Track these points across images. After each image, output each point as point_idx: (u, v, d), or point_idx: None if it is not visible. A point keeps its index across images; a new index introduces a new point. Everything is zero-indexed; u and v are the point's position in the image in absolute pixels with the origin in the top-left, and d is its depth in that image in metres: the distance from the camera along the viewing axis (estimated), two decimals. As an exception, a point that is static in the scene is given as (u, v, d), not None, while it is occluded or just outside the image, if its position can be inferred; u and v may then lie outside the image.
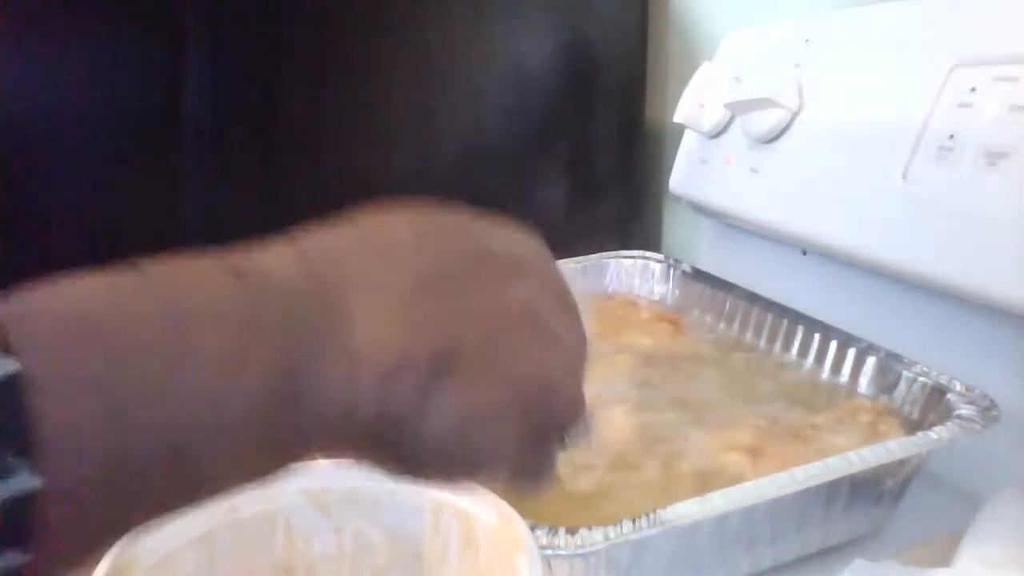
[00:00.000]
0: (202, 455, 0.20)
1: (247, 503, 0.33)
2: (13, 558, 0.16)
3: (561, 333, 0.28)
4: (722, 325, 0.64)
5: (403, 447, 0.25)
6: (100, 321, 0.19)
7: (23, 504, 0.16)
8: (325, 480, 0.34)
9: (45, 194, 0.64)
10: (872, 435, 0.46)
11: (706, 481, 0.43)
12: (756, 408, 0.50)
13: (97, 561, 0.28)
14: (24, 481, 0.16)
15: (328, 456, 0.27)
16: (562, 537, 0.34)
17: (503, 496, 0.32)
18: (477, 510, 0.32)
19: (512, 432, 0.26)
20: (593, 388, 0.52)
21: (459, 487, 0.32)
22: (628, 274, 0.73)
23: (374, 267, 0.24)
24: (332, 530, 0.34)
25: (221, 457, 0.21)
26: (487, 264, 0.27)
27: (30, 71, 0.62)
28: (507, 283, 0.27)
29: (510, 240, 0.29)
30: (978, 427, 0.41)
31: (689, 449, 0.46)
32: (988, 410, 0.42)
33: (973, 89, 0.50)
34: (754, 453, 0.44)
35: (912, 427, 0.46)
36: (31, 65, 0.62)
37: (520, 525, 0.30)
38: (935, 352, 0.50)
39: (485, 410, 0.25)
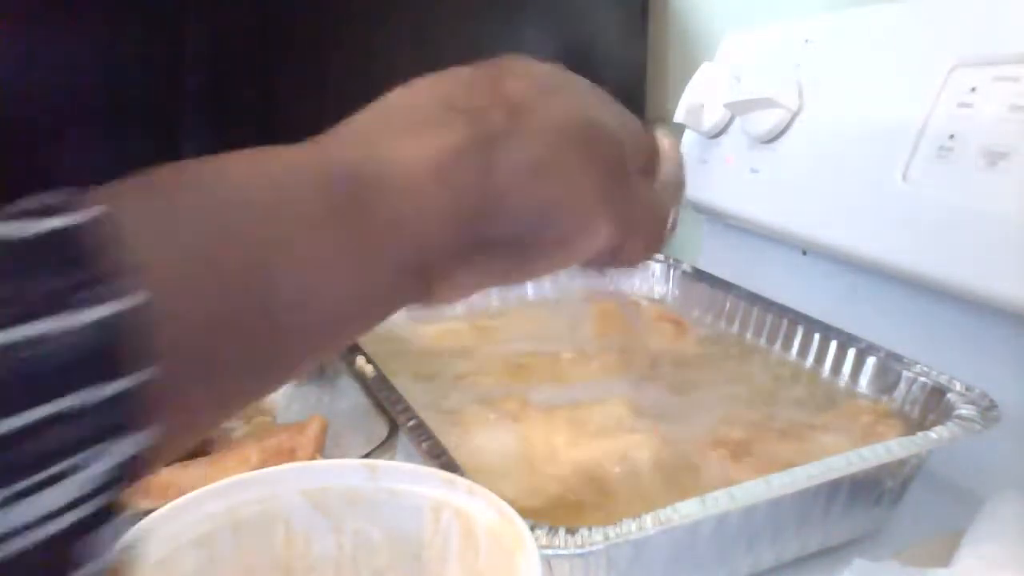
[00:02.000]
0: (296, 297, 0.21)
1: (247, 503, 0.33)
2: (140, 375, 0.17)
3: (581, 89, 0.30)
4: (722, 325, 0.64)
5: (493, 241, 0.26)
6: (200, 187, 0.21)
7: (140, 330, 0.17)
8: (325, 480, 0.34)
9: (43, 189, 0.63)
10: (870, 437, 0.46)
11: (678, 478, 0.43)
12: (751, 408, 0.50)
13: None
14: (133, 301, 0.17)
15: (422, 300, 0.27)
16: (562, 537, 0.34)
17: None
18: (477, 510, 0.32)
19: (586, 177, 0.28)
20: (589, 387, 0.52)
21: (588, 264, 0.32)
22: (628, 274, 0.73)
23: (392, 117, 0.26)
24: (332, 530, 0.34)
25: (314, 299, 0.22)
26: (488, 71, 0.28)
27: (29, 67, 0.62)
28: (511, 75, 0.28)
29: (498, 59, 0.30)
30: (978, 427, 0.41)
31: (674, 444, 0.46)
32: (988, 410, 0.42)
33: (973, 89, 0.50)
34: (738, 452, 0.44)
35: (912, 428, 0.46)
36: (30, 61, 0.62)
37: (520, 525, 0.30)
38: (935, 352, 0.50)
39: (548, 162, 0.27)
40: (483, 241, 0.26)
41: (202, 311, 0.19)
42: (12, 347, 0.15)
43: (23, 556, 0.15)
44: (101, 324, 0.16)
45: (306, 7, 0.72)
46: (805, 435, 0.46)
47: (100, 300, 0.16)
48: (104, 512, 0.17)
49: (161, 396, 0.17)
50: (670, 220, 0.34)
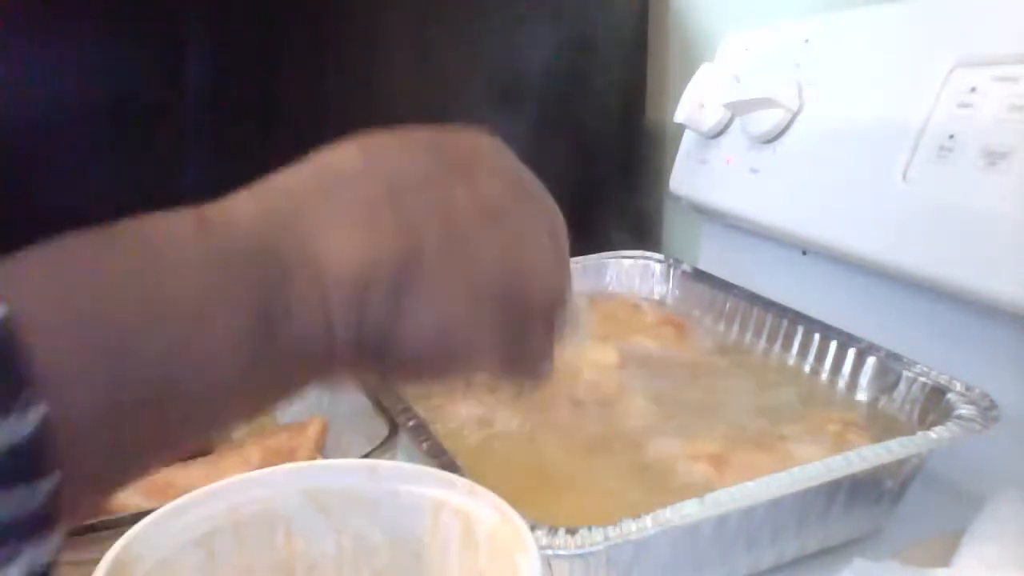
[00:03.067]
0: (192, 387, 0.21)
1: (247, 503, 0.33)
2: (46, 483, 0.17)
3: (526, 221, 0.29)
4: (722, 325, 0.64)
5: (389, 355, 0.26)
6: (84, 269, 0.20)
7: (36, 436, 0.17)
8: (325, 480, 0.34)
9: (44, 192, 0.63)
10: (842, 446, 0.45)
11: (665, 483, 0.43)
12: (739, 418, 0.50)
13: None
14: (27, 419, 0.17)
15: (319, 383, 0.28)
16: (562, 537, 0.34)
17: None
18: (477, 510, 0.32)
19: (489, 323, 0.28)
20: (585, 388, 0.52)
21: (453, 384, 0.34)
22: (628, 274, 0.73)
23: (329, 193, 0.25)
24: (332, 530, 0.34)
25: (211, 390, 0.22)
26: (439, 169, 0.27)
27: (30, 69, 0.62)
28: (461, 183, 0.27)
29: (462, 141, 0.29)
30: (978, 427, 0.41)
31: (656, 452, 0.46)
32: (988, 410, 0.42)
33: (973, 89, 0.50)
34: (719, 462, 0.44)
35: (909, 430, 0.46)
36: (31, 63, 0.62)
37: (520, 525, 0.30)
38: (935, 352, 0.50)
39: (457, 305, 0.27)
40: (374, 359, 0.27)
41: (100, 419, 0.19)
42: None
43: None
44: (11, 441, 0.17)
45: (307, 9, 0.72)
46: (779, 445, 0.46)
47: (7, 415, 0.17)
48: None
49: (67, 496, 0.18)
50: (548, 367, 0.33)
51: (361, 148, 0.27)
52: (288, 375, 0.25)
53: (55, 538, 0.17)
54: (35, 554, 0.17)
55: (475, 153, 0.29)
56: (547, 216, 0.30)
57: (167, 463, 0.24)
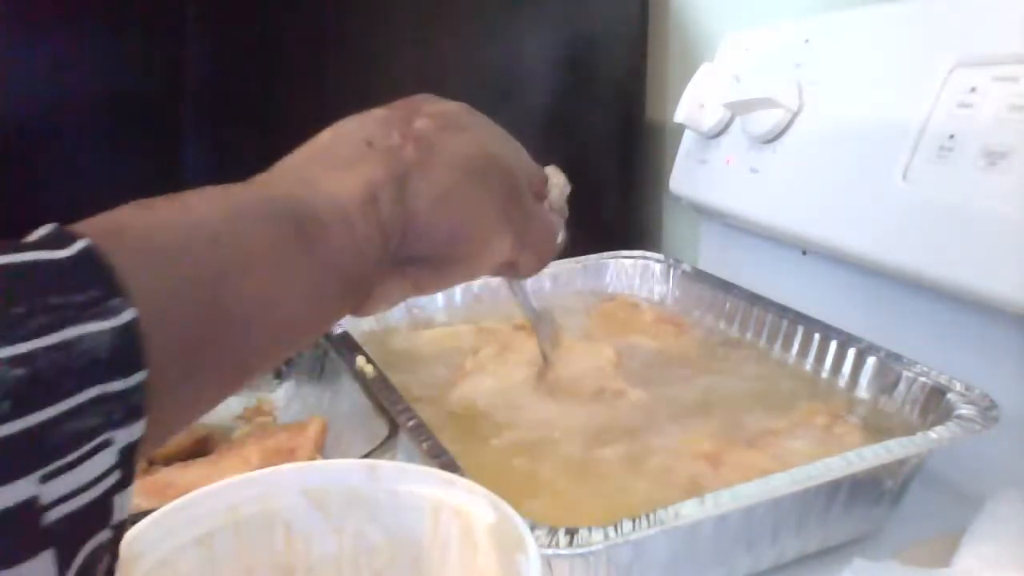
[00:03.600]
0: (250, 306, 0.25)
1: (247, 503, 0.33)
2: (138, 376, 0.20)
3: (481, 126, 0.36)
4: (722, 325, 0.64)
5: (415, 255, 0.32)
6: (169, 224, 0.24)
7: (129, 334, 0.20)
8: (325, 480, 0.34)
9: (44, 190, 0.63)
10: (830, 439, 0.46)
11: (667, 482, 0.43)
12: (730, 415, 0.50)
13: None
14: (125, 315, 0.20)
15: (362, 299, 0.31)
16: (562, 537, 0.34)
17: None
18: (477, 510, 0.32)
19: (486, 202, 0.33)
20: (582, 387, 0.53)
21: (479, 272, 0.37)
22: (628, 274, 0.73)
23: (320, 157, 0.31)
24: (332, 530, 0.34)
25: (265, 308, 0.25)
26: (395, 113, 0.33)
27: (30, 67, 0.62)
28: (416, 114, 0.33)
29: (408, 99, 0.35)
30: (978, 427, 0.41)
31: (654, 450, 0.47)
32: (988, 410, 0.42)
33: (973, 89, 0.50)
34: (715, 461, 0.44)
35: (909, 430, 0.46)
36: (31, 61, 0.62)
37: (520, 525, 0.30)
38: (935, 352, 0.50)
39: (453, 191, 0.32)
40: (405, 259, 0.32)
41: (180, 327, 0.22)
42: (59, 347, 0.18)
43: (79, 513, 0.18)
44: (114, 331, 0.19)
45: (307, 18, 0.72)
46: (771, 441, 0.46)
47: (113, 312, 0.20)
48: (125, 479, 0.20)
49: (152, 393, 0.20)
50: (559, 237, 0.40)
51: (330, 128, 0.33)
52: (333, 291, 0.29)
53: (142, 425, 0.20)
54: (129, 435, 0.20)
55: (421, 99, 0.35)
56: (495, 127, 0.37)
57: (241, 388, 0.27)
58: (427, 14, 0.76)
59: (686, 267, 0.70)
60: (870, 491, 0.42)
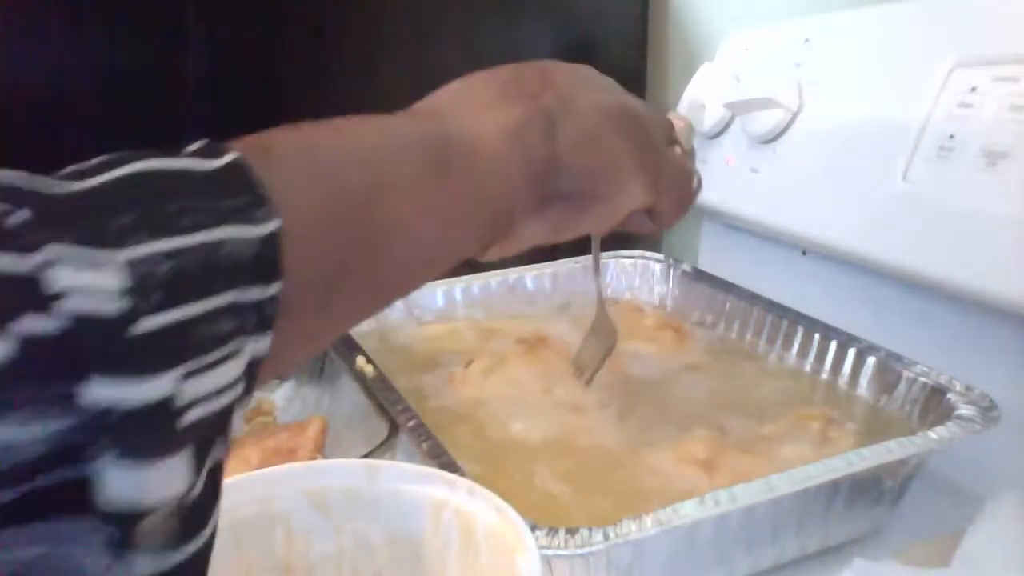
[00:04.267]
0: (392, 221, 0.25)
1: (247, 503, 0.33)
2: (274, 288, 0.20)
3: (608, 85, 0.37)
4: (722, 326, 0.64)
5: (561, 187, 0.32)
6: (321, 144, 0.25)
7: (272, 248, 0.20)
8: (325, 480, 0.34)
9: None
10: (823, 443, 0.46)
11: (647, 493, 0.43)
12: (725, 420, 0.50)
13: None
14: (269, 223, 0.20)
15: (502, 232, 0.31)
16: (562, 537, 0.34)
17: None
18: (477, 510, 0.32)
19: (624, 147, 0.34)
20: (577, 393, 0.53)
21: (631, 226, 0.40)
22: (628, 274, 0.73)
23: (461, 100, 0.32)
24: (332, 530, 0.34)
25: (407, 223, 0.26)
26: (526, 69, 0.34)
27: (29, 68, 0.62)
28: (547, 70, 0.35)
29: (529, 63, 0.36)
30: (978, 427, 0.41)
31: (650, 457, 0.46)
32: (988, 410, 0.42)
33: (973, 89, 0.50)
34: (710, 467, 0.44)
35: (909, 430, 0.46)
36: (30, 62, 0.62)
37: (520, 525, 0.30)
38: (935, 352, 0.50)
39: (594, 134, 0.33)
40: (547, 195, 0.32)
41: (323, 242, 0.23)
42: (206, 246, 0.18)
43: (210, 418, 0.18)
44: (258, 239, 0.20)
45: (307, 20, 0.72)
46: (764, 447, 0.46)
47: (258, 220, 0.20)
48: (247, 393, 0.20)
49: (288, 306, 0.20)
50: (695, 179, 0.41)
51: (458, 80, 0.34)
52: (477, 219, 0.29)
53: (270, 338, 0.20)
54: (256, 348, 0.20)
55: (547, 62, 0.36)
56: (618, 85, 0.38)
57: (379, 310, 0.28)
58: (426, 14, 0.76)
59: (686, 267, 0.70)
60: (870, 491, 0.42)
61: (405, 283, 0.28)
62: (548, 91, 0.33)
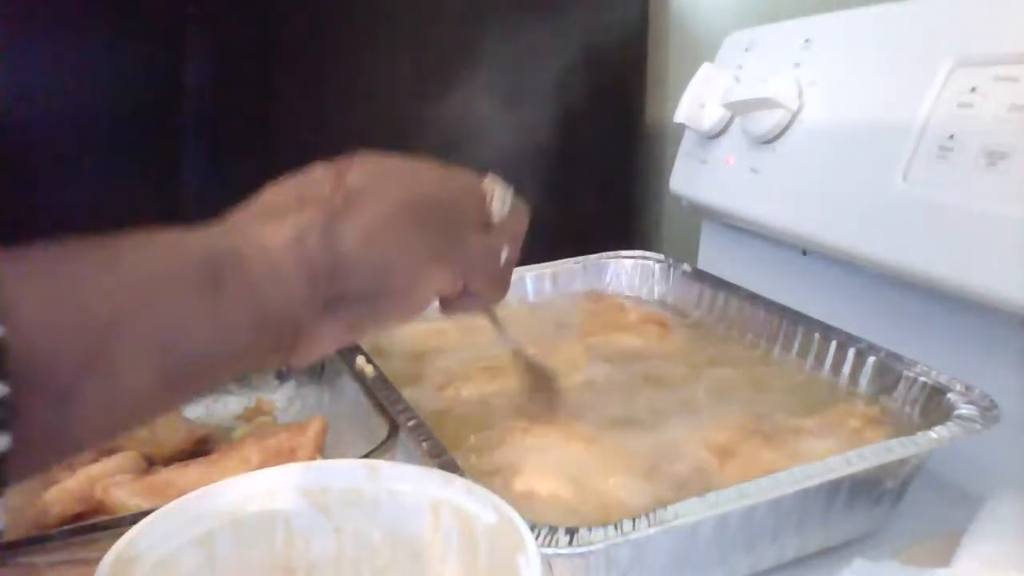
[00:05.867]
0: (154, 334, 0.26)
1: (247, 503, 0.33)
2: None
3: (428, 172, 0.37)
4: (722, 326, 0.64)
5: (348, 293, 0.32)
6: (78, 256, 0.25)
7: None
8: (325, 480, 0.34)
9: (43, 195, 0.64)
10: (858, 442, 0.45)
11: (664, 475, 0.43)
12: (740, 408, 0.50)
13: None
14: None
15: (288, 345, 0.31)
16: (562, 537, 0.34)
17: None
18: (477, 510, 0.32)
19: (415, 232, 0.34)
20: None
21: (445, 307, 0.39)
22: (628, 274, 0.73)
23: (256, 215, 0.32)
24: (332, 530, 0.34)
25: (180, 357, 0.27)
26: (352, 161, 0.35)
27: (29, 73, 0.62)
28: (372, 160, 0.35)
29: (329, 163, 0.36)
30: (978, 427, 0.41)
31: (666, 441, 0.46)
32: (988, 410, 0.42)
33: (973, 89, 0.50)
34: (725, 454, 0.44)
35: (909, 430, 0.46)
36: (30, 67, 0.62)
37: (520, 525, 0.30)
38: (935, 352, 0.50)
39: (380, 231, 0.33)
40: (335, 297, 0.32)
41: (56, 352, 0.23)
42: None
43: None
44: None
45: (306, 23, 0.72)
46: (788, 438, 0.46)
47: None
48: (2, 483, 0.21)
49: (22, 411, 0.21)
50: (503, 257, 0.39)
51: (268, 186, 0.34)
52: (249, 331, 0.29)
53: (8, 436, 0.21)
54: None
55: (360, 155, 0.36)
56: (431, 167, 0.37)
57: (134, 426, 0.28)
58: (427, 16, 0.76)
59: (686, 267, 0.70)
60: (870, 491, 0.42)
61: (169, 396, 0.28)
62: (340, 193, 0.33)
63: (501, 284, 0.41)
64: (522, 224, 0.41)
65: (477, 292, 0.39)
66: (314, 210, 0.32)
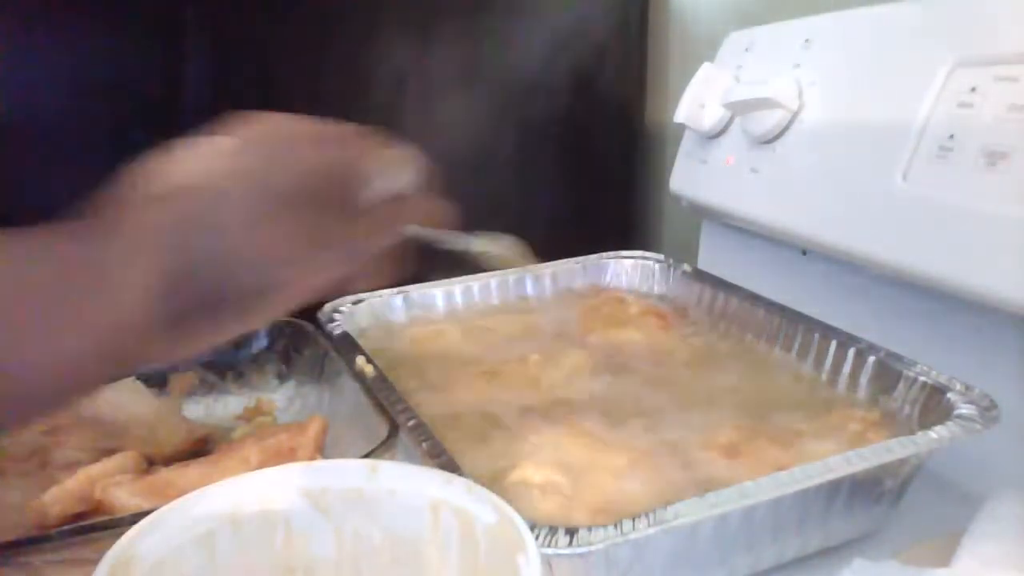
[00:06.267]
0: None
1: (247, 503, 0.33)
2: None
3: (310, 138, 0.35)
4: (722, 325, 0.64)
5: (241, 283, 0.31)
6: None
7: None
8: (325, 480, 0.34)
9: (43, 194, 0.63)
10: (859, 444, 0.45)
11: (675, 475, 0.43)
12: (740, 410, 0.50)
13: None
14: None
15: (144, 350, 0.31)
16: (562, 537, 0.34)
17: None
18: (477, 510, 0.32)
19: (292, 221, 0.32)
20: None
21: (304, 291, 0.36)
22: (628, 274, 0.73)
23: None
24: (332, 530, 0.34)
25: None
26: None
27: (29, 71, 0.62)
28: (254, 128, 0.35)
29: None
30: (978, 427, 0.41)
31: (669, 442, 0.46)
32: (988, 410, 0.42)
33: (973, 89, 0.50)
34: (731, 452, 0.44)
35: (911, 428, 0.46)
36: (30, 65, 0.62)
37: (520, 525, 0.30)
38: (935, 352, 0.50)
39: (249, 223, 0.32)
40: (206, 306, 0.31)
41: None
42: None
43: None
44: None
45: (307, 21, 0.72)
46: (793, 441, 0.46)
47: None
48: None
49: None
50: (397, 233, 0.37)
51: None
52: (91, 328, 0.29)
53: None
54: None
55: (231, 126, 0.35)
56: (297, 123, 0.35)
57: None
58: (427, 15, 0.76)
59: (686, 267, 0.70)
60: (870, 491, 0.42)
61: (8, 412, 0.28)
62: (210, 188, 0.32)
63: (398, 262, 0.38)
64: (428, 195, 0.38)
65: (365, 273, 0.37)
66: (174, 211, 0.31)
